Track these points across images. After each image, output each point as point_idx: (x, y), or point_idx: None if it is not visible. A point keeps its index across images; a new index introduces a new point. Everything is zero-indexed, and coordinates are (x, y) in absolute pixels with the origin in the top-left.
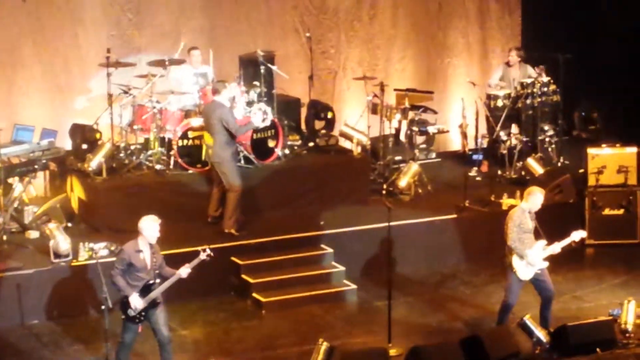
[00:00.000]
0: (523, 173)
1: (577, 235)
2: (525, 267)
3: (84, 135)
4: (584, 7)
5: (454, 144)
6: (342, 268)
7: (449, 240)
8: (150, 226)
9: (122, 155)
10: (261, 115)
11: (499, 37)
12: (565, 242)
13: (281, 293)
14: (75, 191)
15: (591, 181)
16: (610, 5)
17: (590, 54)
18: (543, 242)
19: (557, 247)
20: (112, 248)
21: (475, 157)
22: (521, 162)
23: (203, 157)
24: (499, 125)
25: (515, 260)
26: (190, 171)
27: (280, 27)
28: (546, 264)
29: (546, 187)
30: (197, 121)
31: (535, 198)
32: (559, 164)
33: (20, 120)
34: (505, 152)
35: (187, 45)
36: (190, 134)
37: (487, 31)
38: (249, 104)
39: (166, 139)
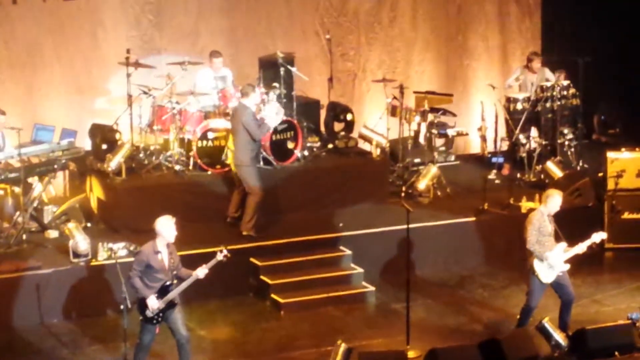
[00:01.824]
0: (542, 176)
1: (598, 236)
2: (547, 270)
3: (104, 136)
4: (604, 10)
5: (473, 146)
6: (360, 270)
7: (468, 242)
8: (167, 226)
9: (141, 155)
10: (274, 116)
11: (519, 40)
12: (586, 243)
13: (300, 294)
14: (95, 191)
15: (610, 185)
16: (630, 8)
17: (610, 57)
18: (563, 244)
19: (577, 250)
20: (131, 248)
21: (494, 159)
22: (540, 166)
23: (225, 159)
24: (519, 128)
25: (536, 264)
26: (209, 172)
27: (300, 29)
28: (567, 266)
29: (566, 189)
30: (216, 122)
31: (554, 200)
32: (579, 168)
33: (40, 120)
34: (524, 155)
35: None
36: (210, 135)
37: (507, 34)
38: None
39: (185, 140)
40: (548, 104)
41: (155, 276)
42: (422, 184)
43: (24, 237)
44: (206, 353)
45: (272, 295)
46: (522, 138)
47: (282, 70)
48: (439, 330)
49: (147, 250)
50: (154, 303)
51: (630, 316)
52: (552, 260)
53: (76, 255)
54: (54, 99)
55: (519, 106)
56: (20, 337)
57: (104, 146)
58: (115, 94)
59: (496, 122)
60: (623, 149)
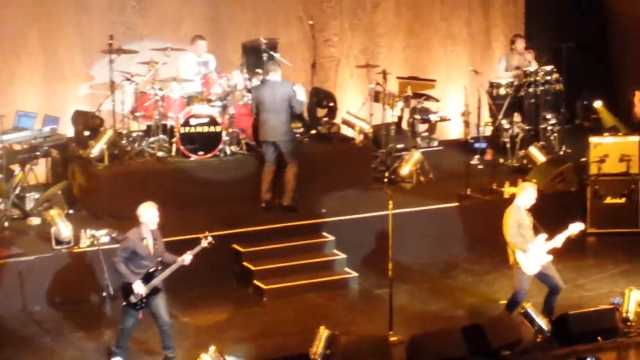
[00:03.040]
0: (525, 161)
1: (575, 227)
2: (530, 262)
3: (86, 122)
4: None
5: (456, 132)
6: (343, 256)
7: (451, 228)
8: (149, 212)
9: (124, 142)
10: (303, 91)
11: (502, 26)
12: (564, 235)
13: (282, 280)
14: (77, 178)
15: (593, 170)
16: None
17: (593, 43)
18: (544, 235)
19: (557, 241)
20: (114, 235)
21: (477, 145)
22: (523, 151)
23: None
24: (502, 113)
25: (519, 256)
26: (192, 158)
27: (283, 15)
28: (550, 257)
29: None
30: (199, 108)
31: (528, 194)
32: (561, 153)
33: (23, 107)
34: (507, 140)
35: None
36: (193, 121)
37: (491, 20)
38: (251, 91)
39: (168, 126)
40: (531, 89)
41: (140, 262)
42: (405, 170)
43: (6, 224)
44: (189, 339)
45: (255, 282)
46: (505, 123)
47: (265, 56)
48: (422, 316)
49: (133, 236)
50: (139, 288)
51: (612, 301)
52: (535, 252)
53: (58, 242)
54: (36, 85)
55: (502, 91)
56: (3, 324)
57: (87, 133)
58: (98, 80)
59: (479, 108)
60: (606, 134)
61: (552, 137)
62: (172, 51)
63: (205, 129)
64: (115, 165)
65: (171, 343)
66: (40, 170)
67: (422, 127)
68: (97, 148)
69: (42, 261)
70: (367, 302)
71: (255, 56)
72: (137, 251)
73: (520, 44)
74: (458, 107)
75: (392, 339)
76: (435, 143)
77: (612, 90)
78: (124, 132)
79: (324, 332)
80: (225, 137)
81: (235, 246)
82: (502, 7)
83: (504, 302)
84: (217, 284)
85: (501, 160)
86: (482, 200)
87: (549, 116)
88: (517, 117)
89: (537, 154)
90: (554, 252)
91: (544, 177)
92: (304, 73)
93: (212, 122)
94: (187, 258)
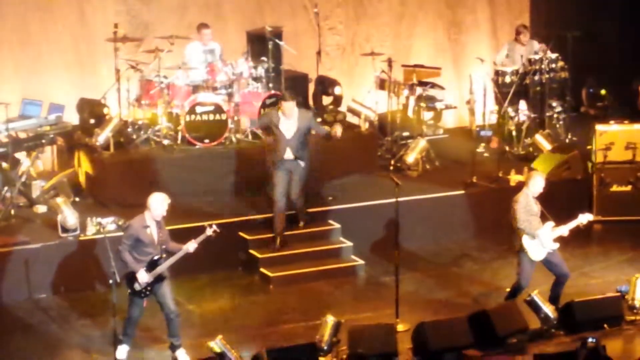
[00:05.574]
0: (531, 149)
1: (584, 218)
2: (537, 248)
3: (92, 110)
4: None
5: (462, 120)
6: (349, 243)
7: (457, 216)
8: (159, 204)
9: (129, 130)
10: None
11: (507, 14)
12: (573, 224)
13: (289, 268)
14: (83, 166)
15: (599, 158)
16: None
17: (598, 31)
18: (551, 223)
19: (564, 229)
20: (120, 222)
21: (483, 133)
22: (529, 138)
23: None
24: (507, 101)
25: (525, 242)
26: (197, 146)
27: (288, 3)
28: (557, 245)
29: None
30: (205, 96)
31: (535, 182)
32: (567, 141)
33: (28, 95)
34: (513, 128)
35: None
36: (198, 109)
37: (496, 8)
38: (256, 79)
39: (174, 114)
40: (537, 77)
41: (144, 250)
42: (410, 158)
43: (12, 212)
44: (195, 327)
45: (261, 269)
46: (510, 111)
47: (270, 44)
48: (428, 304)
49: (136, 224)
50: (143, 277)
51: (618, 289)
52: (542, 238)
53: (65, 230)
54: (42, 74)
55: (508, 79)
56: (9, 312)
57: (92, 121)
58: (103, 68)
59: (485, 95)
60: (611, 122)
61: (557, 125)
62: (177, 39)
63: (211, 117)
64: (121, 153)
65: (177, 331)
66: (46, 158)
67: (427, 115)
68: (103, 136)
69: (48, 249)
70: (373, 290)
71: (260, 44)
72: (141, 239)
73: (525, 36)
74: (464, 95)
75: (399, 326)
76: (441, 131)
77: (617, 78)
78: (130, 120)
79: (330, 320)
80: (230, 125)
81: (242, 234)
82: None
83: (509, 289)
84: (223, 272)
85: (507, 148)
86: (488, 188)
87: (554, 104)
88: (522, 105)
89: (543, 142)
90: (560, 240)
91: (549, 165)
92: (309, 61)
93: (218, 110)
94: (191, 246)
